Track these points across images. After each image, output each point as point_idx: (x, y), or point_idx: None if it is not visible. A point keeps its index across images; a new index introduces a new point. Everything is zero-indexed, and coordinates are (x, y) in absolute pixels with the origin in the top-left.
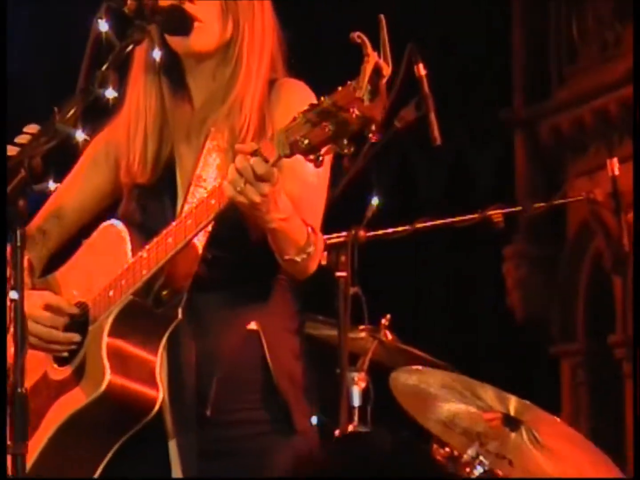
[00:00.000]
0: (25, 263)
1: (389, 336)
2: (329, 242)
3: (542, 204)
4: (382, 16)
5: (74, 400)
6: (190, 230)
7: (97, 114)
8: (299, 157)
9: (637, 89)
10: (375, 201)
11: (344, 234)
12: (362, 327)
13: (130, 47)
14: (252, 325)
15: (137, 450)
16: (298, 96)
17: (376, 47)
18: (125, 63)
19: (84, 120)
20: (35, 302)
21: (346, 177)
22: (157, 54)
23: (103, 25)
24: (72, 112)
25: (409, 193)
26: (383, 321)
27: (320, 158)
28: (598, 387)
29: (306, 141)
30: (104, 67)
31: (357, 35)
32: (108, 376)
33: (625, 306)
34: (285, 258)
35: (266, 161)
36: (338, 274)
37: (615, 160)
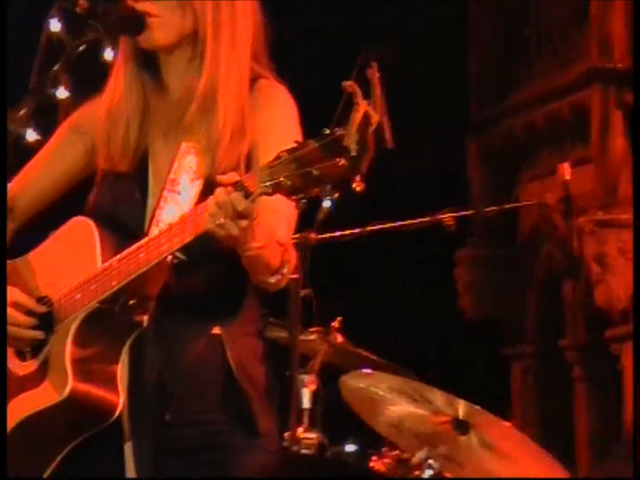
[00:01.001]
0: None
1: (340, 338)
2: None
3: (494, 208)
4: (374, 64)
5: (35, 401)
6: (163, 251)
7: (49, 114)
8: None
9: (637, 89)
10: (327, 204)
11: (295, 236)
12: (312, 329)
13: (82, 47)
14: (215, 330)
15: (94, 450)
16: (280, 104)
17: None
18: (78, 63)
19: (36, 120)
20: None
21: None
22: (109, 55)
23: (55, 25)
24: (23, 112)
25: (361, 196)
26: (334, 323)
27: (303, 200)
28: (548, 390)
29: (289, 182)
30: (56, 67)
31: (348, 85)
32: (70, 383)
33: (575, 310)
34: (259, 279)
35: (246, 197)
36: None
37: (566, 164)
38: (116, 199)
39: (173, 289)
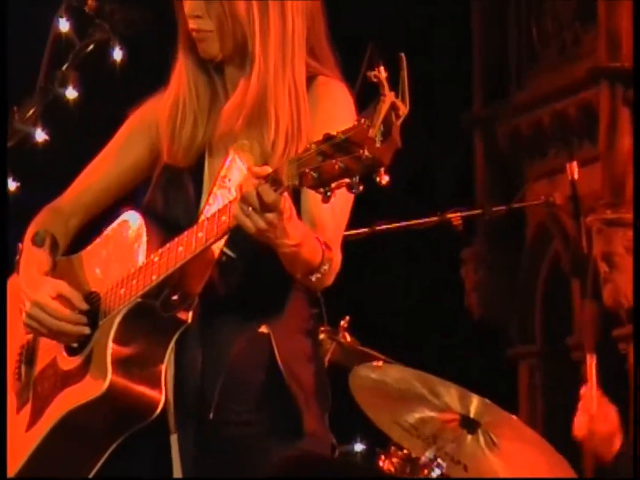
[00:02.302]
0: (48, 240)
1: (348, 338)
2: None
3: (501, 207)
4: (403, 55)
5: (76, 396)
6: (199, 243)
7: (57, 114)
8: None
9: (637, 90)
10: None
11: None
12: (321, 328)
13: (90, 47)
14: (263, 328)
15: (140, 440)
16: (336, 103)
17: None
18: (86, 62)
19: (44, 119)
20: (46, 289)
21: None
22: (117, 54)
23: (63, 24)
24: (31, 111)
25: (368, 195)
26: (342, 323)
27: (329, 193)
28: (555, 390)
29: (315, 175)
30: (64, 67)
31: (373, 75)
32: (109, 377)
33: (583, 309)
34: (298, 277)
35: (275, 190)
36: None
37: (574, 163)
38: (170, 199)
39: (218, 287)
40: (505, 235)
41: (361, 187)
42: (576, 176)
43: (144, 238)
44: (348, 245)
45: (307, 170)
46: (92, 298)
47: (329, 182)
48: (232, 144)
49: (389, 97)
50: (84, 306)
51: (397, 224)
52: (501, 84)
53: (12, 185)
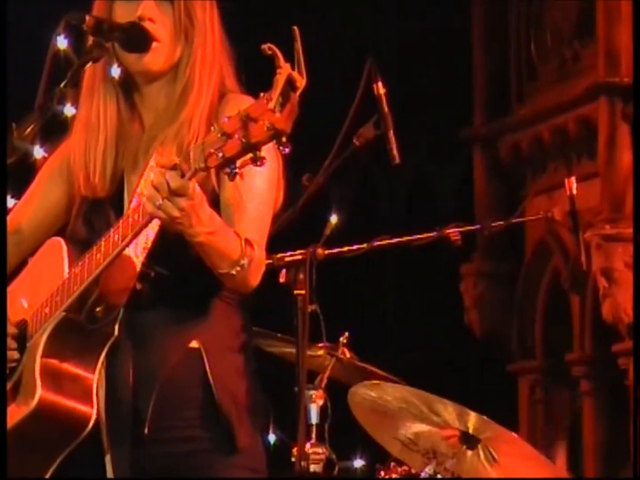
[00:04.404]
0: None
1: (347, 354)
2: (287, 260)
3: (500, 223)
4: (295, 28)
5: (9, 419)
6: (115, 245)
7: (56, 131)
8: (247, 168)
9: (636, 95)
10: (333, 219)
11: (302, 251)
12: (320, 344)
13: (89, 64)
14: (194, 343)
15: (76, 465)
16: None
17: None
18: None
19: (42, 137)
20: None
21: (305, 194)
22: (115, 71)
23: (62, 42)
24: (30, 128)
25: (368, 211)
26: (341, 339)
27: (236, 171)
28: (556, 405)
29: (220, 154)
30: (63, 84)
31: (267, 47)
32: (39, 392)
33: (582, 324)
34: (219, 272)
35: (182, 175)
36: (296, 291)
37: (573, 179)
38: (92, 225)
39: (148, 302)
40: (504, 250)
41: (265, 161)
42: (575, 191)
43: (66, 256)
44: (347, 261)
45: (212, 151)
46: (21, 326)
47: (235, 160)
48: (149, 160)
49: (285, 69)
50: (12, 330)
51: (396, 240)
52: (501, 100)
53: (11, 202)
